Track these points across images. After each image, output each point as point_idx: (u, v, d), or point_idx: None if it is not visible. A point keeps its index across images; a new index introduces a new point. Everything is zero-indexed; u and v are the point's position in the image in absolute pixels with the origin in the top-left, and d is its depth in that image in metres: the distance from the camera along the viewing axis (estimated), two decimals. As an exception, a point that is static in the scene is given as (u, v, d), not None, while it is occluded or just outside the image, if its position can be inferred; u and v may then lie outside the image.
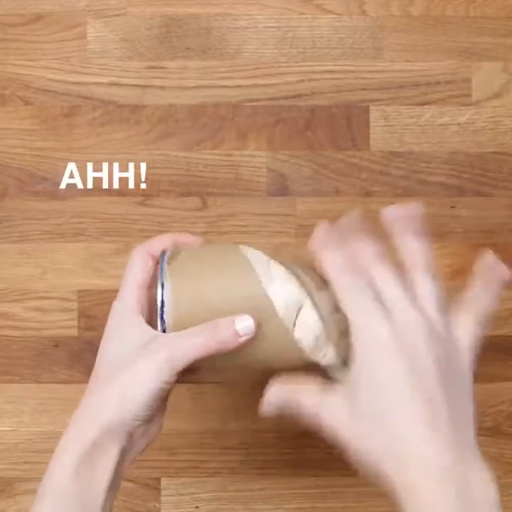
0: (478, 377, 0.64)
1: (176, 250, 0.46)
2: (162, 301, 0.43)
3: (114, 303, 0.47)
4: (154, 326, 0.44)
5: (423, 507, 0.34)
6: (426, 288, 0.40)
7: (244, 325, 0.42)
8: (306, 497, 0.63)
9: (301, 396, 0.41)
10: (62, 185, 0.65)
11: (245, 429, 0.63)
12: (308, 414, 0.41)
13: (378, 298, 0.39)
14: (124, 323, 0.45)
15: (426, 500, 0.34)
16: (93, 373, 0.46)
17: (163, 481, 0.63)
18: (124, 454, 0.43)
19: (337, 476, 0.63)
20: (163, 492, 0.63)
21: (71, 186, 0.65)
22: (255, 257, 0.45)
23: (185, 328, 0.43)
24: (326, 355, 0.43)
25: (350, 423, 0.38)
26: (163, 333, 0.43)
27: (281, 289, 0.43)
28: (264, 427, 0.63)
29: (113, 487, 0.43)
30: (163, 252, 0.46)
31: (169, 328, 0.43)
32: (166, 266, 0.44)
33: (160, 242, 0.48)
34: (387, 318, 0.38)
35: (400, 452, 0.36)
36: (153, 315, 0.45)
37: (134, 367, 0.42)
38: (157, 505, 0.63)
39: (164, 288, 0.43)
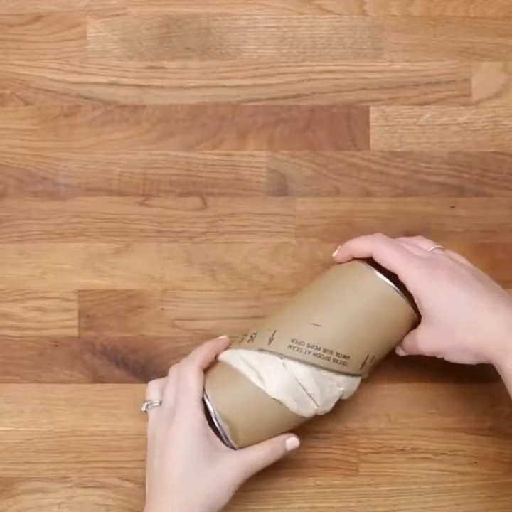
0: (479, 377, 0.64)
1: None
2: (219, 426, 0.55)
3: (179, 417, 0.54)
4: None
5: None
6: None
7: (291, 441, 0.57)
8: (306, 497, 0.63)
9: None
10: (62, 185, 0.65)
11: (245, 429, 0.63)
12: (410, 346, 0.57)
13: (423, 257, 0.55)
14: (195, 436, 0.53)
15: None
16: (161, 479, 0.53)
17: (163, 481, 0.63)
18: None
19: (337, 476, 0.63)
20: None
21: (71, 186, 0.65)
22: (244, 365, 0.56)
23: (242, 441, 0.56)
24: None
25: (440, 333, 0.54)
26: (234, 450, 0.55)
27: (276, 388, 0.55)
28: (264, 427, 0.63)
29: None
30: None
31: (233, 442, 0.56)
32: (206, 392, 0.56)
33: (204, 353, 0.57)
34: (436, 267, 0.54)
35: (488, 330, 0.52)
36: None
37: (218, 477, 0.53)
38: (157, 505, 0.63)
39: (217, 418, 0.55)
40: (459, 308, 0.53)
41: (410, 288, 0.54)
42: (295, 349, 0.55)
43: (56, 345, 0.64)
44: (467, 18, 0.66)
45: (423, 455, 0.63)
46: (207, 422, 0.54)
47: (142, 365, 0.63)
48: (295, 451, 0.58)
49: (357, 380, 0.57)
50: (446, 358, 0.54)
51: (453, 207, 0.65)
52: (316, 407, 0.56)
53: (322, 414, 0.57)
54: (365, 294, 0.55)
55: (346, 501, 0.63)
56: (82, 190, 0.65)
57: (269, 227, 0.64)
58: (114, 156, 0.65)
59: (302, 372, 0.55)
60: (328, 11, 0.66)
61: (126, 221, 0.65)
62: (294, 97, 0.65)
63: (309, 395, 0.55)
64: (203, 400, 0.55)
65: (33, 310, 0.64)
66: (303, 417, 0.57)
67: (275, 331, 0.55)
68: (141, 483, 0.62)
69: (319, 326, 0.55)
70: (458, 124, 0.65)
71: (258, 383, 0.55)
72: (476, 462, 0.63)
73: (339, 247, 0.58)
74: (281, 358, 0.55)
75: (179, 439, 0.53)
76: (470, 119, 0.65)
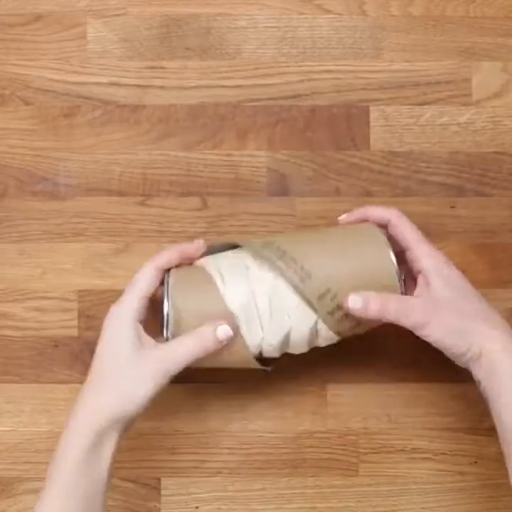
0: (478, 377, 0.63)
1: (176, 270, 0.56)
2: (167, 314, 0.53)
3: (113, 308, 0.54)
4: (155, 333, 0.54)
5: None
6: None
7: (223, 329, 0.53)
8: (306, 497, 0.63)
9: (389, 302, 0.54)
10: (62, 185, 0.65)
11: (245, 429, 0.63)
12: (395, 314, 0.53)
13: None
14: (124, 328, 0.53)
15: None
16: (93, 372, 0.53)
17: (163, 481, 0.63)
18: (121, 441, 0.52)
19: (337, 476, 0.63)
20: (163, 492, 0.63)
21: (71, 186, 0.65)
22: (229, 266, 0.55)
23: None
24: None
25: (435, 312, 0.53)
26: (158, 344, 0.53)
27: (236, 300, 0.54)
28: (263, 427, 0.63)
29: (111, 473, 0.51)
30: (168, 271, 0.56)
31: (171, 336, 0.54)
32: (170, 284, 0.55)
33: (167, 256, 0.56)
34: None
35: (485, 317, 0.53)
36: (158, 323, 0.54)
37: (135, 369, 0.52)
38: (157, 505, 0.63)
39: (168, 302, 0.54)
40: (466, 295, 0.54)
41: (424, 262, 0.54)
42: (266, 247, 0.54)
43: (56, 345, 0.64)
44: (467, 18, 0.66)
45: (423, 455, 0.63)
46: (140, 319, 0.54)
47: (142, 365, 0.63)
48: (229, 341, 0.53)
49: (306, 320, 0.54)
50: (423, 333, 0.53)
51: (453, 207, 0.65)
52: (262, 335, 0.54)
53: (267, 354, 0.55)
54: (363, 249, 0.54)
55: (346, 501, 0.63)
56: (82, 190, 0.65)
57: (269, 227, 0.64)
58: (114, 156, 0.65)
59: (262, 289, 0.54)
60: (328, 11, 0.66)
61: (126, 221, 0.65)
62: (294, 97, 0.65)
63: (259, 315, 0.54)
64: (162, 302, 0.54)
65: (33, 310, 0.64)
66: (247, 348, 0.54)
67: (264, 241, 0.56)
68: (142, 483, 0.63)
69: (302, 242, 0.55)
70: (458, 124, 0.65)
71: (221, 288, 0.54)
72: (476, 462, 0.63)
73: (347, 213, 0.58)
74: (248, 267, 0.55)
75: (109, 326, 0.53)
76: (470, 119, 0.65)
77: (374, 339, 0.61)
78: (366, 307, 0.52)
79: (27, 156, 0.65)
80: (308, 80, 0.65)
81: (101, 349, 0.53)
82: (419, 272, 0.55)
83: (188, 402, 0.63)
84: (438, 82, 0.65)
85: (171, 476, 0.63)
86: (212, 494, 0.63)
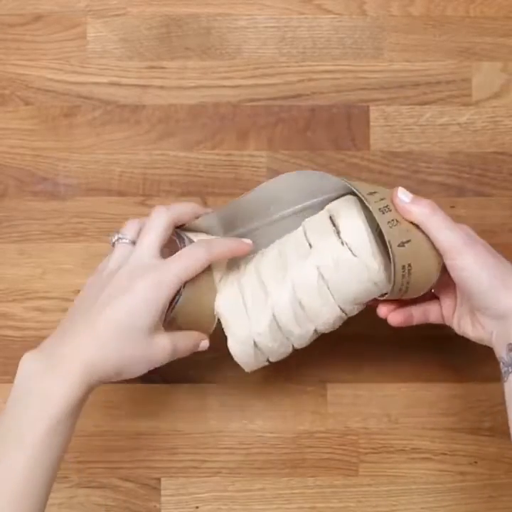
0: (479, 377, 0.64)
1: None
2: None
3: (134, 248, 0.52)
4: None
5: None
6: None
7: (203, 344, 0.55)
8: (306, 497, 0.63)
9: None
10: (62, 185, 0.65)
11: (245, 429, 0.63)
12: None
13: None
14: (144, 300, 0.50)
15: None
16: (88, 319, 0.50)
17: (163, 481, 0.63)
18: None
19: (337, 476, 0.63)
20: (163, 492, 0.63)
21: (71, 186, 0.65)
22: None
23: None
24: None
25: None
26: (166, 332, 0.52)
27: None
28: (263, 427, 0.63)
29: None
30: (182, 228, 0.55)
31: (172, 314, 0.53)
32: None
33: (184, 210, 0.55)
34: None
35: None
36: None
37: (146, 349, 0.50)
38: (157, 505, 0.63)
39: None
40: (505, 263, 0.53)
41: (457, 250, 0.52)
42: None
43: (56, 345, 0.64)
44: (467, 18, 0.66)
45: (423, 455, 0.63)
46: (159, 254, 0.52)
47: (142, 365, 0.63)
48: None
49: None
50: (460, 259, 0.50)
51: (453, 207, 0.65)
52: (248, 326, 0.54)
53: (263, 346, 0.54)
54: None
55: (346, 501, 0.63)
56: (82, 190, 0.65)
57: (269, 227, 0.64)
58: (114, 156, 0.65)
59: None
60: (328, 11, 0.66)
61: (126, 221, 0.64)
62: (294, 97, 0.65)
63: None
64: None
65: (33, 310, 0.64)
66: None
67: None
68: (142, 483, 0.63)
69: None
70: (458, 124, 0.65)
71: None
72: (476, 462, 0.63)
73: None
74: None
75: (135, 302, 0.49)
76: (470, 119, 0.65)
77: (374, 339, 0.61)
78: (413, 203, 0.51)
79: (27, 156, 0.65)
80: (308, 80, 0.65)
81: (111, 311, 0.49)
82: None
83: (188, 402, 0.63)
84: (438, 82, 0.65)
85: (171, 476, 0.63)
86: (212, 494, 0.63)
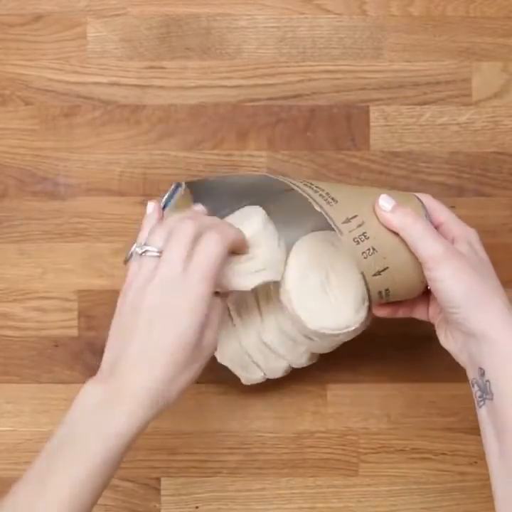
0: (478, 377, 0.63)
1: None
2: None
3: (185, 301, 0.46)
4: None
5: None
6: None
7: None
8: (306, 497, 0.63)
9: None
10: (62, 185, 0.65)
11: (245, 429, 0.63)
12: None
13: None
14: (195, 325, 0.47)
15: None
16: (141, 349, 0.46)
17: (163, 481, 0.63)
18: None
19: (337, 476, 0.63)
20: (163, 492, 0.63)
21: (71, 186, 0.65)
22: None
23: None
24: None
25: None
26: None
27: None
28: (264, 427, 0.63)
29: None
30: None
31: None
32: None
33: (240, 236, 0.51)
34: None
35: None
36: None
37: (191, 376, 0.49)
38: (157, 505, 0.63)
39: None
40: (489, 270, 0.52)
41: (456, 230, 0.52)
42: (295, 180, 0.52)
43: (56, 346, 0.64)
44: (467, 18, 0.66)
45: (423, 455, 0.63)
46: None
47: (142, 365, 0.63)
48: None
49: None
50: (436, 272, 0.49)
51: (453, 207, 0.65)
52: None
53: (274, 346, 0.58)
54: (397, 197, 0.52)
55: (346, 501, 0.63)
56: (82, 190, 0.65)
57: (269, 227, 0.64)
58: (114, 156, 0.65)
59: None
60: (328, 11, 0.66)
61: (126, 221, 0.65)
62: (294, 97, 0.65)
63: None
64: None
65: (33, 310, 0.64)
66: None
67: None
68: (141, 483, 0.63)
69: (331, 184, 0.54)
70: (458, 124, 0.65)
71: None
72: (476, 462, 0.63)
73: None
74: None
75: (180, 321, 0.46)
76: (470, 119, 0.65)
77: (374, 339, 0.61)
78: (394, 211, 0.50)
79: (27, 156, 0.65)
80: (309, 80, 0.65)
81: (161, 338, 0.46)
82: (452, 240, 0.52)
83: (188, 402, 0.63)
84: (438, 82, 0.65)
85: (171, 476, 0.63)
86: (212, 494, 0.63)
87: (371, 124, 0.65)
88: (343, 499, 0.63)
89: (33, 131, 0.65)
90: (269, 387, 0.62)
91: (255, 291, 0.56)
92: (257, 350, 0.58)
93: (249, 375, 0.59)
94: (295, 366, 0.59)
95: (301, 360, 0.59)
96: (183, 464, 0.63)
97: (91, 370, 0.63)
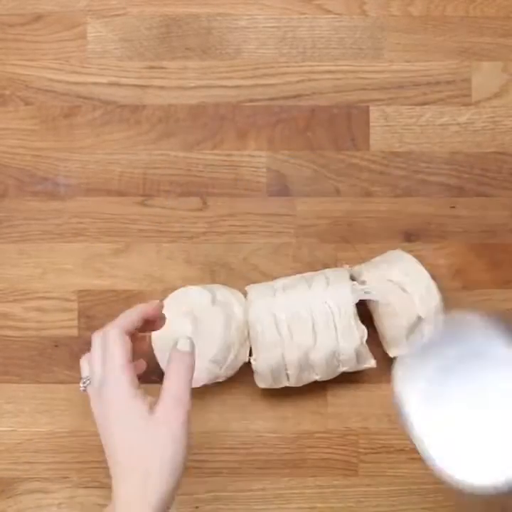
0: (478, 377, 0.63)
1: None
2: None
3: (105, 389, 0.49)
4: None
5: None
6: None
7: (183, 343, 0.52)
8: (306, 497, 0.63)
9: None
10: (62, 185, 0.65)
11: (245, 429, 0.63)
12: None
13: None
14: (126, 406, 0.49)
15: None
16: (114, 461, 0.49)
17: (163, 481, 0.63)
18: None
19: (337, 476, 0.63)
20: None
21: (71, 186, 0.65)
22: None
23: None
24: None
25: None
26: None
27: None
28: (264, 427, 0.63)
29: None
30: None
31: None
32: None
33: (130, 319, 0.52)
34: None
35: None
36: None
37: (162, 435, 0.48)
38: (157, 505, 0.63)
39: None
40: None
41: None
42: None
43: (56, 345, 0.64)
44: (467, 18, 0.66)
45: (423, 455, 0.63)
46: (135, 383, 0.49)
47: (142, 365, 0.63)
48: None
49: None
50: None
51: (453, 207, 0.65)
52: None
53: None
54: None
55: (346, 501, 0.63)
56: (82, 190, 0.65)
57: (269, 228, 0.64)
58: (114, 156, 0.65)
59: None
60: (328, 11, 0.66)
61: (126, 221, 0.65)
62: (294, 97, 0.65)
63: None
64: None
65: (33, 310, 0.64)
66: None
67: None
68: (141, 483, 0.63)
69: None
70: (458, 124, 0.65)
71: None
72: (476, 462, 0.63)
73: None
74: None
75: (112, 413, 0.49)
76: (470, 119, 0.65)
77: (374, 339, 0.61)
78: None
79: (27, 156, 0.65)
80: (309, 80, 0.65)
81: (115, 438, 0.49)
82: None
83: (188, 402, 0.63)
84: (438, 82, 0.65)
85: (171, 476, 0.63)
86: (212, 494, 0.63)
87: (371, 124, 0.65)
88: (343, 499, 0.63)
89: (33, 131, 0.65)
90: (269, 387, 0.62)
91: (313, 313, 0.58)
92: (297, 363, 0.58)
93: (273, 383, 0.60)
94: (323, 379, 0.60)
95: (332, 376, 0.60)
96: (183, 464, 0.63)
97: (91, 370, 0.63)
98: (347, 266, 0.62)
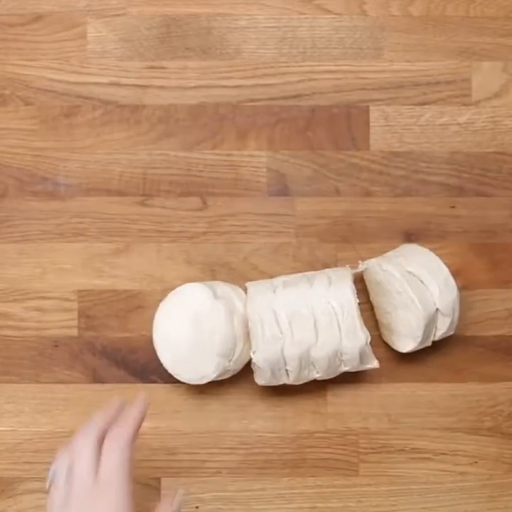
0: (478, 377, 0.64)
1: None
2: None
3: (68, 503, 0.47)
4: None
5: None
6: None
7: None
8: (306, 497, 0.63)
9: None
10: (62, 185, 0.65)
11: (245, 429, 0.63)
12: None
13: None
14: None
15: None
16: None
17: (163, 481, 0.63)
18: None
19: (337, 476, 0.63)
20: (163, 492, 0.63)
21: (71, 186, 0.65)
22: None
23: None
24: None
25: None
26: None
27: None
28: (263, 427, 0.63)
29: None
30: None
31: None
32: None
33: (102, 420, 0.49)
34: None
35: None
36: None
37: None
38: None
39: None
40: None
41: None
42: None
43: (56, 345, 0.64)
44: (467, 18, 0.66)
45: (423, 455, 0.63)
46: None
47: (142, 365, 0.63)
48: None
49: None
50: None
51: (453, 207, 0.65)
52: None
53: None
54: None
55: (346, 501, 0.63)
56: (82, 190, 0.65)
57: (269, 227, 0.64)
58: (114, 156, 0.65)
59: None
60: (328, 11, 0.66)
61: (126, 221, 0.65)
62: (294, 97, 0.65)
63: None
64: None
65: (33, 310, 0.64)
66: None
67: None
68: (141, 483, 0.63)
69: None
70: (458, 124, 0.65)
71: None
72: (476, 462, 0.63)
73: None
74: None
75: None
76: (470, 119, 0.65)
77: (374, 339, 0.61)
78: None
79: (27, 156, 0.65)
80: (309, 80, 0.65)
81: None
82: None
83: (188, 402, 0.63)
84: (438, 82, 0.65)
85: (171, 476, 0.63)
86: (212, 494, 0.63)
87: (371, 124, 0.65)
88: (343, 499, 0.63)
89: (33, 131, 0.65)
90: (269, 387, 0.62)
91: (314, 311, 0.58)
92: (297, 360, 0.58)
93: (272, 379, 0.60)
94: (323, 378, 0.60)
95: (333, 375, 0.60)
96: (183, 464, 0.63)
97: (91, 370, 0.64)
98: (361, 262, 0.61)
